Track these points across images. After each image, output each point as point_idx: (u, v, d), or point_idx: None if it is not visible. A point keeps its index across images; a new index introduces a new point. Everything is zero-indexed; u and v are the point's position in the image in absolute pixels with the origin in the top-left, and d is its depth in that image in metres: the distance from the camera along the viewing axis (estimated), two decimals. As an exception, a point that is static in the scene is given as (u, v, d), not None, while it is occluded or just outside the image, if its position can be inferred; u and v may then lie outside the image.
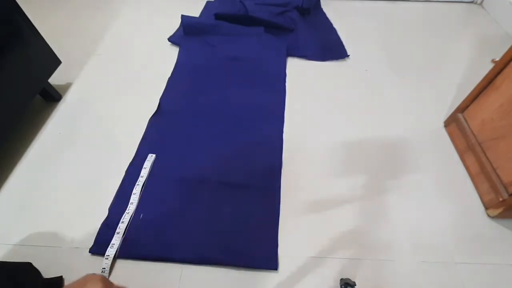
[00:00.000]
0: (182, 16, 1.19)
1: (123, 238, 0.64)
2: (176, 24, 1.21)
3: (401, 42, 1.19)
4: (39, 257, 0.62)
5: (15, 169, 0.78)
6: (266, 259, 0.62)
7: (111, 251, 0.61)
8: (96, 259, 0.62)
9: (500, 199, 0.65)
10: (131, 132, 0.85)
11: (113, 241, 0.63)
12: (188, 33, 1.16)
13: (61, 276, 0.59)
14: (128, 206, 0.68)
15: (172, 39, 1.16)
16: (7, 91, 0.77)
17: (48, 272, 0.60)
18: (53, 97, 0.94)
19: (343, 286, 0.56)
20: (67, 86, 1.00)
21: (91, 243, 0.64)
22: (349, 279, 0.56)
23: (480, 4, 1.38)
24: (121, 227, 0.65)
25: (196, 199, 0.71)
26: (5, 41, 0.75)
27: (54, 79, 0.92)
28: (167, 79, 1.01)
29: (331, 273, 0.61)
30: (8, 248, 0.64)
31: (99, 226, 0.67)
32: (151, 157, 0.78)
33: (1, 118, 0.75)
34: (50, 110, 0.92)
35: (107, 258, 0.61)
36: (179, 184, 0.73)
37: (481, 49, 1.13)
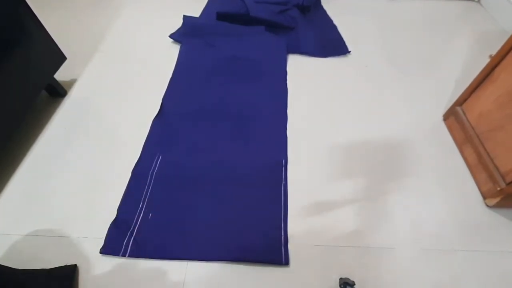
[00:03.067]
0: (184, 17, 1.21)
1: (133, 239, 0.65)
2: (178, 22, 1.22)
3: (401, 39, 1.20)
4: (48, 246, 0.63)
5: (23, 162, 0.80)
6: (276, 254, 0.63)
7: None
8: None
9: (498, 189, 0.67)
10: (135, 129, 0.87)
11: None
12: (189, 33, 1.17)
13: (75, 265, 0.61)
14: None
15: (173, 36, 1.17)
16: (15, 85, 0.78)
17: (58, 260, 0.62)
18: (58, 92, 0.95)
19: (342, 286, 0.56)
20: (71, 82, 1.01)
21: (98, 233, 0.66)
22: (348, 278, 0.57)
23: (478, 1, 1.40)
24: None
25: (202, 198, 0.72)
26: (13, 37, 0.77)
27: (59, 75, 0.93)
28: (169, 76, 1.02)
29: (334, 265, 0.63)
30: (18, 238, 0.66)
31: (105, 217, 0.68)
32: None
33: (9, 112, 0.77)
34: (56, 105, 0.94)
35: None
36: (185, 184, 0.74)
37: (479, 45, 1.16)
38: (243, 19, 1.19)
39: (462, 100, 0.82)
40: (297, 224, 0.68)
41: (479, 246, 0.66)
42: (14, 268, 0.53)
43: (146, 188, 0.73)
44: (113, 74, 1.05)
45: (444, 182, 0.76)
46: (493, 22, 1.29)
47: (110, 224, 0.67)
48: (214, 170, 0.77)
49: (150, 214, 0.68)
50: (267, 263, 0.62)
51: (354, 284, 0.56)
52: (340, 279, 0.58)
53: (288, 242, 0.65)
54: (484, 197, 0.72)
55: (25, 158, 0.81)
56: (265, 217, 0.69)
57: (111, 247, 0.63)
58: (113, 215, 0.69)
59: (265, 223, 0.68)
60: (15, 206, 0.72)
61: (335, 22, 1.27)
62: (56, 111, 0.92)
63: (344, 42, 1.17)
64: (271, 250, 0.64)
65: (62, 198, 0.73)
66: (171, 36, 1.17)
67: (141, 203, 0.70)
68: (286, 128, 0.87)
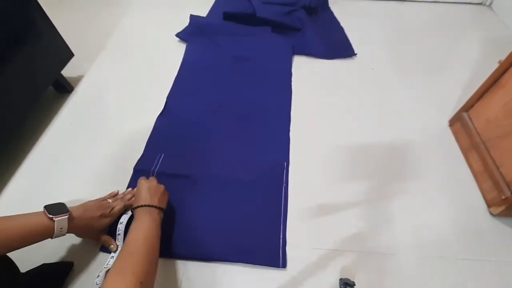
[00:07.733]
0: (191, 16, 1.21)
1: None
2: (184, 21, 1.23)
3: (408, 42, 1.19)
4: (48, 243, 0.64)
5: (28, 156, 0.81)
6: (274, 257, 0.63)
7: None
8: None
9: (503, 197, 0.65)
10: (139, 126, 0.87)
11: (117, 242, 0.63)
12: (196, 33, 1.17)
13: (72, 262, 0.61)
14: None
15: (180, 35, 1.18)
16: (23, 81, 0.80)
17: (57, 257, 0.63)
18: (65, 88, 0.96)
19: (342, 286, 0.56)
20: (78, 79, 1.03)
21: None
22: (348, 279, 0.56)
23: (489, 6, 1.38)
24: (120, 228, 0.65)
25: (202, 197, 0.72)
26: (21, 33, 0.78)
27: (66, 71, 0.95)
28: (174, 75, 1.03)
29: (334, 269, 0.62)
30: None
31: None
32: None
33: (16, 107, 0.78)
34: (62, 101, 0.95)
35: (113, 258, 0.61)
36: (186, 183, 0.74)
37: (488, 50, 1.13)
38: (249, 19, 1.20)
39: (469, 106, 0.81)
40: (296, 227, 0.68)
41: (482, 255, 0.64)
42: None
43: None
44: (119, 71, 1.06)
45: (448, 189, 0.75)
46: (504, 27, 1.27)
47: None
48: (215, 170, 0.77)
49: None
50: (263, 265, 0.62)
51: (354, 285, 0.56)
52: (340, 279, 0.58)
53: (287, 245, 0.65)
54: (489, 206, 0.71)
55: (31, 152, 0.82)
56: (264, 219, 0.69)
57: None
58: (114, 211, 0.69)
59: (264, 225, 0.68)
60: (19, 200, 0.73)
61: (342, 24, 1.27)
62: (62, 107, 0.94)
63: (350, 44, 1.16)
64: (269, 253, 0.63)
65: (65, 193, 0.74)
66: (177, 35, 1.18)
67: None
68: (289, 130, 0.87)
